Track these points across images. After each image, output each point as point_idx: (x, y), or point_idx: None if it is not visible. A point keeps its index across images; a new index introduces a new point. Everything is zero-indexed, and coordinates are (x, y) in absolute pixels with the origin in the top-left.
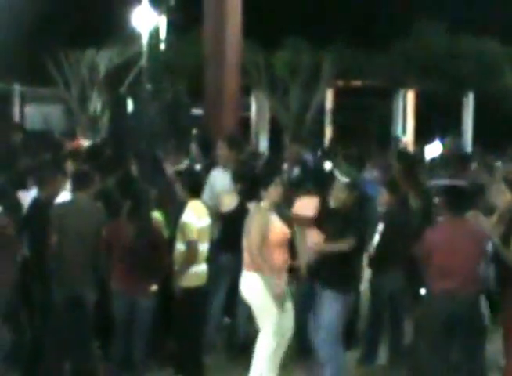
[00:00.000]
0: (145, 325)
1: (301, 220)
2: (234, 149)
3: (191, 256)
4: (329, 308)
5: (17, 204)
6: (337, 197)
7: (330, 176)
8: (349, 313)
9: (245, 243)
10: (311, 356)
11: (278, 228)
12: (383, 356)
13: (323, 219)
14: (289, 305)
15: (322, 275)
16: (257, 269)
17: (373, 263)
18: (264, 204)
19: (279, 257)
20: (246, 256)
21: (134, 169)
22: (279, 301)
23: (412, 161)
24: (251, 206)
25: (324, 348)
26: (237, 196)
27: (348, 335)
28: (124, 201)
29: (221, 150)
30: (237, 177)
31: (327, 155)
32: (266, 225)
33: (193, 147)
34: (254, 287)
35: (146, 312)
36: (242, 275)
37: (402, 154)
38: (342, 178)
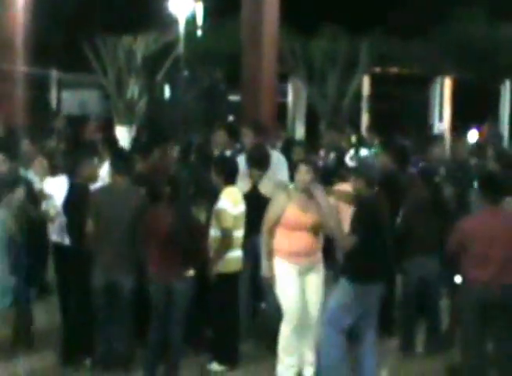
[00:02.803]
0: (181, 311)
1: (341, 196)
2: (259, 135)
3: (226, 243)
4: (338, 294)
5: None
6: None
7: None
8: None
9: None
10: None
11: (297, 211)
12: (420, 343)
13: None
14: (311, 288)
15: (342, 261)
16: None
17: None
18: (290, 187)
19: (297, 242)
20: None
21: (172, 155)
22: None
23: None
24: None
25: (323, 333)
26: (251, 180)
27: (385, 323)
28: (160, 187)
29: (247, 136)
30: (252, 161)
31: (363, 143)
32: (282, 207)
33: (222, 134)
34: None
35: (182, 297)
36: None
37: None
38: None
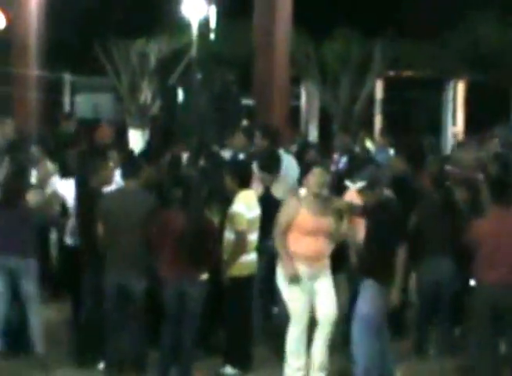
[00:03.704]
0: (194, 314)
1: (352, 209)
2: (267, 138)
3: (240, 246)
4: (368, 298)
5: None
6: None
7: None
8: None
9: None
10: None
11: (308, 216)
12: (434, 345)
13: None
14: (325, 291)
15: (364, 264)
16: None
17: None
18: (301, 191)
19: (309, 246)
20: None
21: (184, 158)
22: (293, 282)
23: None
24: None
25: (358, 338)
26: (262, 184)
27: (397, 324)
28: (174, 191)
29: (257, 139)
30: (263, 165)
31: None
32: (293, 212)
33: (240, 136)
34: (279, 273)
35: (195, 300)
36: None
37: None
38: (356, 185)
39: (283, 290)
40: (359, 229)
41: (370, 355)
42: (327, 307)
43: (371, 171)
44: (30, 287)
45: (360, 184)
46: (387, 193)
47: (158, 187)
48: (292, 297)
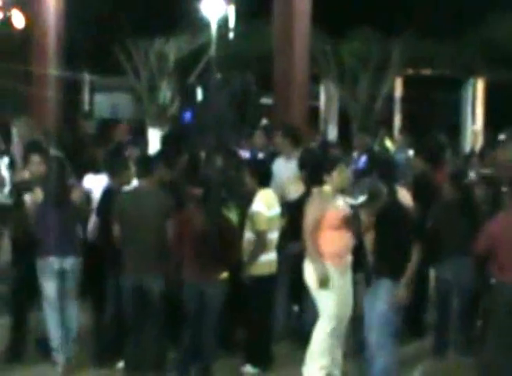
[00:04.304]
0: (214, 313)
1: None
2: (288, 137)
3: (261, 245)
4: (383, 297)
5: None
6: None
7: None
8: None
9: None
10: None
11: (336, 212)
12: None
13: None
14: (349, 291)
15: (377, 263)
16: (309, 251)
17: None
18: (325, 188)
19: (338, 241)
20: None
21: (203, 157)
22: (323, 284)
23: None
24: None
25: (375, 339)
26: (303, 183)
27: (416, 324)
28: (191, 190)
29: (277, 138)
30: (302, 164)
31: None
32: (322, 209)
33: (261, 134)
34: (310, 273)
35: (215, 300)
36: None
37: None
38: (358, 201)
39: (312, 288)
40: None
41: (389, 354)
42: (349, 306)
43: (369, 183)
44: (74, 287)
45: (361, 199)
46: (405, 195)
47: (172, 186)
48: (327, 296)
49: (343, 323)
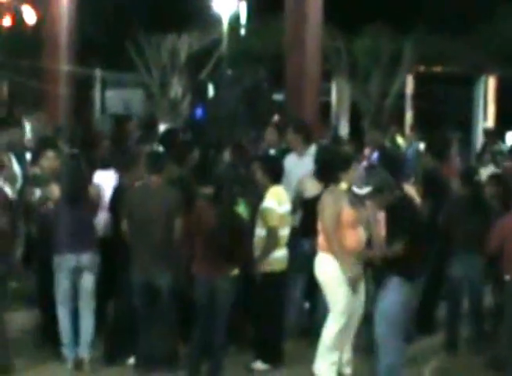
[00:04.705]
0: (225, 310)
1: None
2: (300, 133)
3: (272, 242)
4: (393, 294)
5: None
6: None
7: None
8: (416, 300)
9: (319, 225)
10: None
11: (351, 210)
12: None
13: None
14: (361, 288)
15: (388, 260)
16: (331, 250)
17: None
18: (341, 186)
19: (352, 238)
20: (320, 238)
21: (214, 155)
22: (352, 284)
23: None
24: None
25: (382, 334)
26: (319, 181)
27: (427, 320)
28: (200, 187)
29: (289, 134)
30: (318, 161)
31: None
32: (340, 206)
33: (272, 131)
34: (327, 269)
35: (225, 296)
36: (316, 256)
37: None
38: (362, 191)
39: (328, 286)
40: (382, 225)
41: (395, 352)
42: (360, 302)
43: (377, 175)
44: (90, 284)
45: (366, 190)
46: (410, 191)
47: (181, 183)
48: (340, 292)
49: (353, 319)
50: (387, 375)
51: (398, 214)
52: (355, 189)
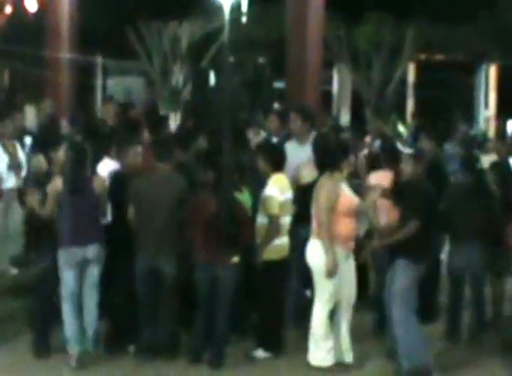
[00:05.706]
0: (227, 297)
1: (380, 193)
2: (307, 121)
3: (273, 230)
4: (402, 277)
5: None
6: (404, 169)
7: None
8: (421, 282)
9: (313, 211)
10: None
11: (347, 197)
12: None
13: (396, 193)
14: (352, 274)
15: (395, 244)
16: (320, 236)
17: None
18: (338, 173)
19: (347, 226)
20: (314, 224)
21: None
22: (329, 268)
23: None
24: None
25: (400, 316)
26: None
27: (428, 309)
28: (204, 174)
29: (295, 122)
30: (316, 148)
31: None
32: (336, 194)
33: (274, 119)
34: (316, 255)
35: (227, 284)
36: (309, 242)
37: None
38: (406, 150)
39: (316, 273)
40: (382, 213)
41: (414, 331)
42: (353, 287)
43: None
44: (95, 277)
45: (409, 150)
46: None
47: (186, 170)
48: (323, 277)
49: (344, 306)
50: (407, 355)
51: (414, 193)
52: (401, 146)
